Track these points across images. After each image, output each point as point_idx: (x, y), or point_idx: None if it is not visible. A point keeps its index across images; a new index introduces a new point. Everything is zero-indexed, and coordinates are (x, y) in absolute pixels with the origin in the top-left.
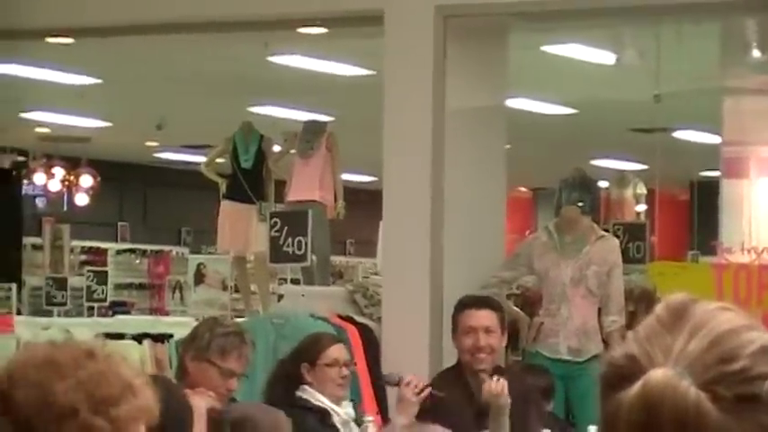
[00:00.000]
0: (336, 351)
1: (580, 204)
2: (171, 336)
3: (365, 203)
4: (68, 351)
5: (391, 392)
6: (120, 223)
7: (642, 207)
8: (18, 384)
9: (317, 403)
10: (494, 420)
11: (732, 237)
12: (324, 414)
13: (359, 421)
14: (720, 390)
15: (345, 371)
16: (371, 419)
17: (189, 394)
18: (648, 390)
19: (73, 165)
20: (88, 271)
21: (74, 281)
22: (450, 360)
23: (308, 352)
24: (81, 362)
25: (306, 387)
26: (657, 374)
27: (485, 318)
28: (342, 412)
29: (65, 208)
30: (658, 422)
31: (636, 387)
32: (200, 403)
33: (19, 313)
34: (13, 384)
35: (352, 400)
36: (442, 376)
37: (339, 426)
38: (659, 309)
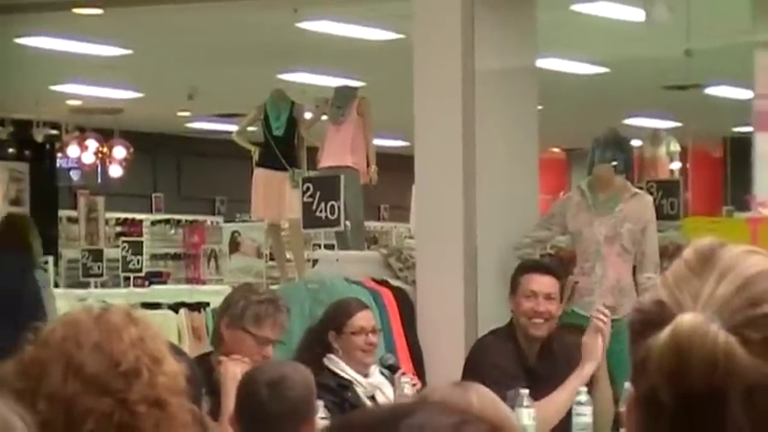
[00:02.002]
0: (362, 318)
1: (613, 163)
2: (207, 304)
3: (398, 168)
4: (115, 314)
5: (428, 355)
6: (154, 194)
7: (676, 165)
8: (80, 345)
9: (342, 374)
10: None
11: (766, 190)
12: (347, 386)
13: (391, 371)
14: (749, 333)
15: (372, 338)
16: (408, 380)
17: (224, 362)
18: (678, 334)
19: (106, 137)
20: (124, 242)
21: (110, 252)
22: (484, 320)
23: (334, 320)
24: (127, 324)
25: (332, 356)
26: (686, 319)
27: (547, 284)
28: (366, 383)
29: (99, 180)
30: (688, 366)
31: (665, 332)
32: (236, 370)
33: (56, 286)
34: (76, 345)
35: (389, 362)
36: (494, 334)
37: (363, 397)
38: (687, 254)
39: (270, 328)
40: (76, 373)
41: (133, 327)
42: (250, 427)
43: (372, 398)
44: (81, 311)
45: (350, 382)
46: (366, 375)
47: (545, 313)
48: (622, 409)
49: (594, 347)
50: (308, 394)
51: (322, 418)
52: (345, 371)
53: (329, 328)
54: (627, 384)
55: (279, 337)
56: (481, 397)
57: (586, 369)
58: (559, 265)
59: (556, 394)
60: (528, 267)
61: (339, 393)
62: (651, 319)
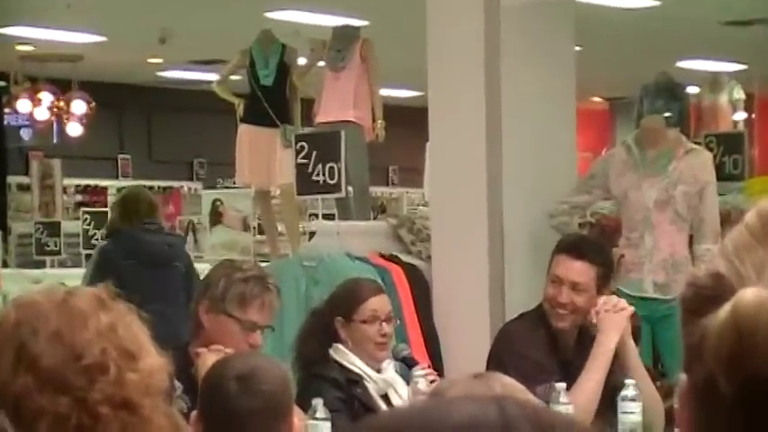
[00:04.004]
0: (376, 304)
1: (666, 114)
2: None
3: (410, 123)
4: (83, 298)
5: (446, 344)
6: (120, 156)
7: (740, 115)
8: (36, 332)
9: (351, 367)
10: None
11: None
12: (356, 381)
13: (407, 364)
14: None
15: (386, 327)
16: (423, 373)
17: (202, 354)
18: (739, 313)
19: (63, 88)
20: (85, 213)
21: (68, 225)
22: (512, 303)
23: (342, 304)
24: (96, 310)
25: (339, 346)
26: (749, 294)
27: (577, 272)
28: (379, 379)
29: (55, 140)
30: (752, 350)
31: (724, 310)
32: None
33: (5, 266)
34: (30, 332)
35: (403, 354)
36: (523, 319)
37: (375, 395)
38: (749, 218)
39: (257, 311)
40: (30, 365)
41: (103, 314)
42: (216, 427)
43: (385, 396)
44: (42, 293)
45: (360, 376)
46: (379, 370)
47: (567, 305)
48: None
49: (613, 318)
50: (283, 390)
51: (322, 418)
52: (355, 363)
53: (336, 314)
54: (683, 376)
55: (268, 321)
56: (507, 390)
57: (606, 343)
58: (601, 235)
59: (582, 383)
60: (562, 246)
61: (347, 389)
62: (707, 294)
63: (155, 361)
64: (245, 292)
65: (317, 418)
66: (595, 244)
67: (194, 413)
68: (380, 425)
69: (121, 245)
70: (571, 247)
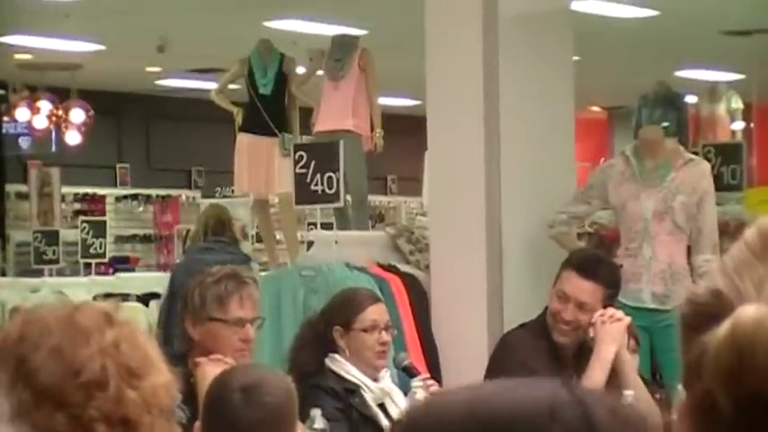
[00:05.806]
0: (375, 312)
1: (664, 124)
2: None
3: (408, 132)
4: (88, 313)
5: (445, 354)
6: (119, 165)
7: (739, 124)
8: (37, 347)
9: (347, 377)
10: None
11: None
12: (353, 390)
13: (408, 374)
14: None
15: (386, 336)
16: (420, 384)
17: (201, 363)
18: (738, 330)
19: (61, 97)
20: (83, 222)
21: (67, 234)
22: (510, 313)
23: (341, 313)
24: (101, 326)
25: (336, 356)
26: (749, 312)
27: (584, 291)
28: (376, 388)
29: (53, 148)
30: (752, 368)
31: (723, 328)
32: (216, 372)
33: (3, 274)
34: (30, 347)
35: (404, 363)
36: (524, 328)
37: (372, 404)
38: (749, 234)
39: (237, 306)
40: (28, 380)
41: (109, 330)
42: None
43: (381, 405)
44: (48, 308)
45: (357, 386)
46: (375, 379)
47: (572, 322)
48: (674, 416)
49: (610, 329)
50: (287, 402)
51: (320, 429)
52: (351, 373)
53: (334, 323)
54: (679, 388)
55: (253, 313)
56: None
57: (604, 353)
58: (600, 245)
59: None
60: (573, 262)
61: (345, 399)
62: (706, 311)
63: (160, 379)
64: (220, 292)
65: (315, 429)
66: (606, 263)
67: (197, 424)
68: (459, 400)
69: (183, 262)
70: (582, 264)
